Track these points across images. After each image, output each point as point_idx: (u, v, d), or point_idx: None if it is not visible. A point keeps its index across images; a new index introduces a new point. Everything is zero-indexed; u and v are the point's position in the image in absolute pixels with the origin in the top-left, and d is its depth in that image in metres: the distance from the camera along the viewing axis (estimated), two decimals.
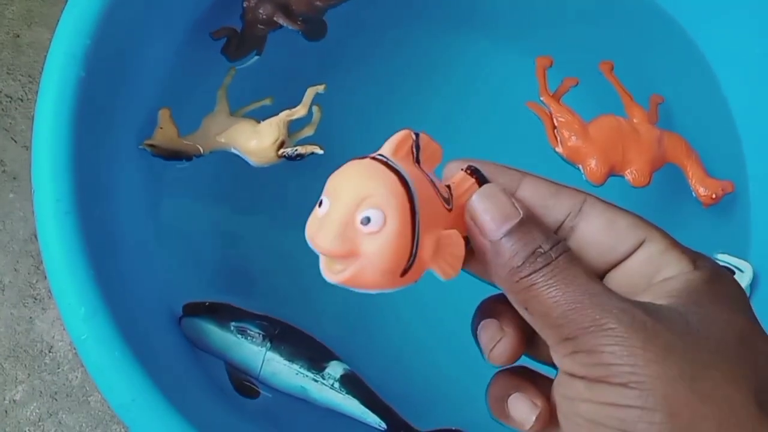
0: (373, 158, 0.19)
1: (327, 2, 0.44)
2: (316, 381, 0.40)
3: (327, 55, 0.47)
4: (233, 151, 0.43)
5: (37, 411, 0.46)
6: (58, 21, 0.37)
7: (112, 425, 0.46)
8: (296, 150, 0.42)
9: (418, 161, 0.20)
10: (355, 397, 0.40)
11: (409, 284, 0.19)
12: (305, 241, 0.53)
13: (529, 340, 0.22)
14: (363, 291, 0.19)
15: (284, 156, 0.42)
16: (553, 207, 0.21)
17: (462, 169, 0.21)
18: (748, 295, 0.45)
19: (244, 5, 0.44)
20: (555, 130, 0.47)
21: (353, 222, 0.18)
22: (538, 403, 0.21)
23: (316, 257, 0.19)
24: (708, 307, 0.19)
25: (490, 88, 0.49)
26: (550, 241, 0.19)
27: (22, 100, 0.51)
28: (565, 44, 0.49)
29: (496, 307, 0.22)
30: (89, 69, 0.36)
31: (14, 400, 0.46)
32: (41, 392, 0.46)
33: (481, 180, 0.21)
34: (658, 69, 0.51)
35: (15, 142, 0.50)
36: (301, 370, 0.40)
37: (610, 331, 0.18)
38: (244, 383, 0.41)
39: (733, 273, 0.46)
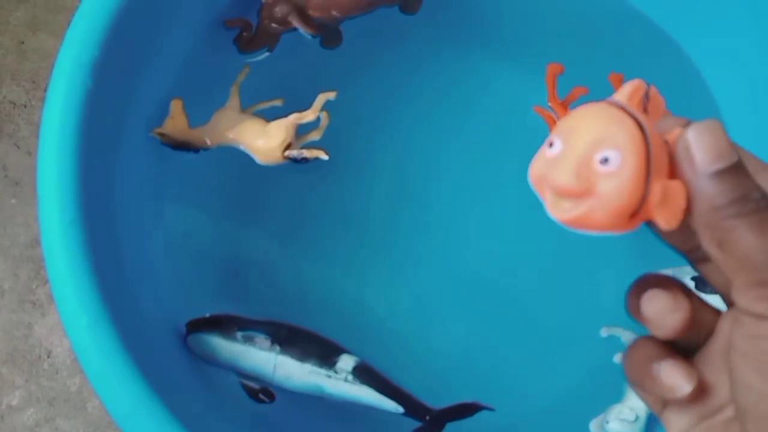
0: (610, 103, 0.20)
1: (344, 13, 0.44)
2: (330, 377, 0.40)
3: (340, 64, 0.47)
4: (240, 147, 0.43)
5: (34, 417, 0.46)
6: (64, 28, 0.37)
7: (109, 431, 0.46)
8: (302, 153, 0.42)
9: (645, 111, 0.21)
10: (369, 386, 0.40)
11: (631, 230, 0.20)
12: (310, 243, 0.52)
13: None
14: (585, 231, 0.20)
15: (290, 158, 0.42)
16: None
17: (682, 126, 0.21)
18: None
19: (263, 1, 0.44)
20: None
21: (591, 162, 0.19)
22: (694, 372, 0.21)
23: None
24: None
25: (497, 101, 0.49)
26: (760, 192, 0.19)
27: (25, 106, 0.51)
28: (570, 57, 0.50)
29: (661, 281, 0.22)
30: (97, 77, 0.36)
31: (11, 406, 0.46)
32: (38, 398, 0.46)
33: None
34: (657, 84, 0.51)
35: (18, 147, 0.51)
36: (314, 368, 0.40)
37: None
38: (259, 390, 0.41)
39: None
